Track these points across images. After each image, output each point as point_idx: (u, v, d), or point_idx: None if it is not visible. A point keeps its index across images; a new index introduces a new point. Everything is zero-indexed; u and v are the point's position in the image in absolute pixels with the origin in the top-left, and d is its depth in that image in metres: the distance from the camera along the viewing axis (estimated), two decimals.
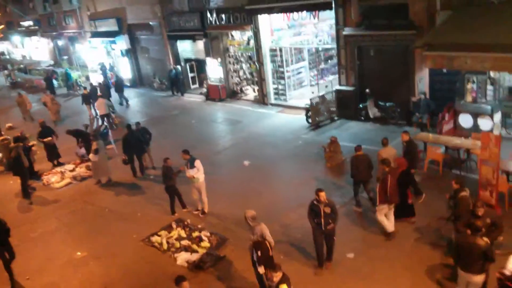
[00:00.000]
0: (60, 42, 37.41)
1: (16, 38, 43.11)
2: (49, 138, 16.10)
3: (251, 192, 12.33)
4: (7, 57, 43.96)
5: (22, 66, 37.26)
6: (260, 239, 7.56)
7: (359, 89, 16.65)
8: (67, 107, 24.03)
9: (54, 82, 30.91)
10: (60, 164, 16.24)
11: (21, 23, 41.66)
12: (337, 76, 17.86)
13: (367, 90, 16.21)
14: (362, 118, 16.50)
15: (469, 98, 13.48)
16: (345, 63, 16.99)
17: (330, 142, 13.18)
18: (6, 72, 37.86)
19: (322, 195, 8.11)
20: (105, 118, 19.79)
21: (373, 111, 16.15)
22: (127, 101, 24.64)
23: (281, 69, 20.14)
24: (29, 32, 41.18)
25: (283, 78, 20.22)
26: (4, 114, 22.52)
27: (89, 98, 21.78)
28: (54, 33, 36.84)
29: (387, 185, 8.91)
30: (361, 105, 16.48)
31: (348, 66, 16.93)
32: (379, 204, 9.21)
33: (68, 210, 12.91)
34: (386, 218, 9.28)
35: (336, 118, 17.24)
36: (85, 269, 9.90)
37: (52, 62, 36.76)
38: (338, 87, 17.39)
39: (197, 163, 11.11)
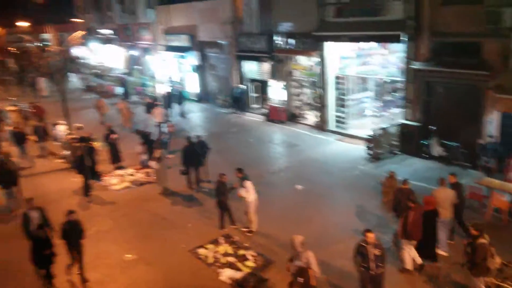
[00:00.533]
0: (134, 52, 39.36)
1: (93, 44, 45.82)
2: (115, 135, 16.89)
3: (301, 217, 12.22)
4: (84, 61, 46.75)
5: (96, 71, 39.45)
6: (304, 266, 7.46)
7: (424, 125, 16.16)
8: (136, 114, 24.99)
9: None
10: (121, 168, 16.93)
11: (99, 30, 44.30)
12: (402, 109, 17.48)
13: (432, 127, 15.72)
14: (425, 155, 15.96)
15: None
16: (412, 97, 16.60)
17: (388, 177, 12.84)
18: (81, 75, 40.24)
19: (371, 236, 7.79)
20: (160, 126, 20.79)
21: (436, 150, 15.59)
22: (183, 113, 25.70)
23: (344, 97, 20.00)
24: (106, 40, 43.64)
25: (345, 106, 20.06)
26: (75, 115, 23.81)
27: (150, 106, 22.92)
28: (129, 43, 38.80)
29: (408, 221, 8.84)
30: (424, 142, 15.97)
31: (415, 101, 16.53)
32: (399, 239, 9.13)
33: (123, 213, 13.39)
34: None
35: (397, 152, 16.79)
36: (132, 272, 10.18)
37: (125, 70, 38.69)
38: (402, 121, 16.99)
39: (247, 184, 11.26)
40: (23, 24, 47.20)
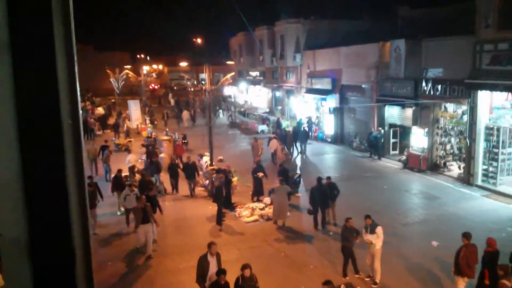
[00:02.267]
0: (278, 93, 41.22)
1: (242, 84, 49.38)
2: (260, 174, 17.64)
3: (431, 277, 11.18)
4: (233, 100, 50.47)
5: (242, 109, 42.21)
6: None
7: None
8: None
9: (265, 128, 34.13)
10: (256, 201, 17.49)
11: (250, 72, 47.57)
12: None
13: None
14: None
15: None
16: None
17: None
18: (228, 113, 43.36)
19: None
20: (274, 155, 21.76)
21: None
22: (303, 151, 26.51)
23: (496, 150, 18.10)
24: (254, 81, 46.67)
25: (496, 160, 18.10)
26: (219, 148, 25.60)
27: (270, 140, 24.49)
28: (275, 85, 40.85)
29: (459, 256, 9.36)
30: None
31: None
32: (453, 274, 9.57)
33: (249, 245, 13.74)
34: None
35: None
36: None
37: (267, 110, 40.68)
38: None
39: (379, 229, 10.75)
40: (183, 64, 53.40)
